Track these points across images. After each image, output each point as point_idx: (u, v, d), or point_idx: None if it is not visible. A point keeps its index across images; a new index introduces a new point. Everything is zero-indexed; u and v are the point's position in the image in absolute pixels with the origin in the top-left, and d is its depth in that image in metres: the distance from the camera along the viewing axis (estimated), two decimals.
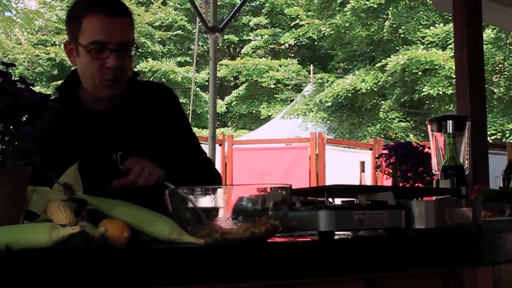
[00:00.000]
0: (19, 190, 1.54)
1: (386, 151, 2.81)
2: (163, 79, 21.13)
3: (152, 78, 21.60)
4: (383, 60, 16.15)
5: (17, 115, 1.47)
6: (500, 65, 15.70)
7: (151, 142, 2.44)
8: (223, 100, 22.74)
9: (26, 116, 1.50)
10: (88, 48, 2.31)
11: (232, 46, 25.25)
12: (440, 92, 15.01)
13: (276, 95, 21.99)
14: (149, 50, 22.17)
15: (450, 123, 2.50)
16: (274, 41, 23.79)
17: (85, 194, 1.70)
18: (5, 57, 22.38)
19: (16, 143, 1.49)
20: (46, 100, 1.51)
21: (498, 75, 15.82)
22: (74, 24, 2.36)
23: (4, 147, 1.49)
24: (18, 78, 1.50)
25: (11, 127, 1.48)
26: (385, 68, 15.92)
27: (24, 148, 1.50)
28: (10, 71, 1.51)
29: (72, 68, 2.56)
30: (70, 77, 2.54)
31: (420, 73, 15.31)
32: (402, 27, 16.93)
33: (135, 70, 2.61)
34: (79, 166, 1.93)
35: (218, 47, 7.60)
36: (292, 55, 24.29)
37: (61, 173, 1.85)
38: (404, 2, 16.84)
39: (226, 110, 23.09)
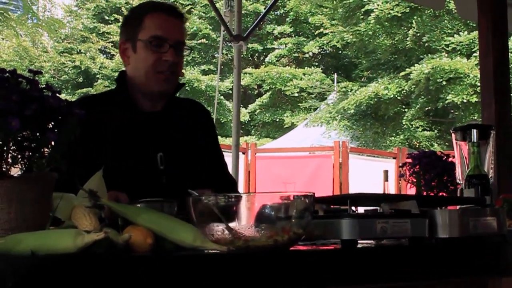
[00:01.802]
0: (45, 196, 1.56)
1: (410, 160, 2.79)
2: (187, 87, 21.20)
3: None
4: (407, 69, 16.08)
5: (43, 122, 1.49)
6: None
7: (189, 149, 2.62)
8: (246, 109, 22.76)
9: (52, 123, 1.51)
10: (149, 41, 2.51)
11: (256, 54, 25.29)
12: (465, 101, 14.89)
13: (299, 104, 21.98)
14: None
15: (474, 132, 2.48)
16: (298, 50, 23.79)
17: (125, 191, 1.73)
18: (31, 65, 22.60)
19: (42, 149, 1.51)
20: (72, 107, 1.53)
21: None
22: (134, 23, 2.57)
23: (30, 153, 1.50)
24: (44, 86, 1.52)
25: (38, 134, 1.49)
26: (409, 77, 15.84)
27: (50, 154, 1.52)
28: (37, 78, 1.53)
29: (121, 70, 2.71)
30: (120, 78, 2.67)
31: (444, 82, 15.21)
32: (426, 35, 16.85)
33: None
34: (122, 162, 2.21)
35: (242, 56, 7.61)
36: (316, 63, 24.25)
37: (107, 168, 1.97)
38: (429, 11, 16.76)
39: (249, 119, 23.11)
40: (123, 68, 2.69)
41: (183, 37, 2.63)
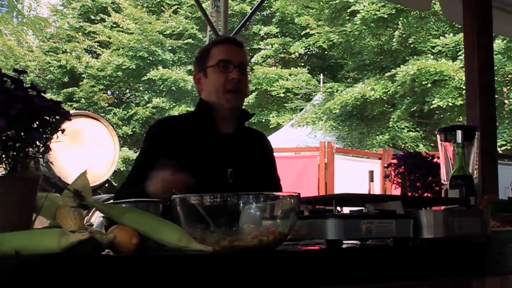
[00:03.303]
0: (30, 196, 1.55)
1: (395, 161, 2.81)
2: (173, 87, 21.15)
3: (162, 86, 21.61)
4: (392, 70, 16.11)
5: (28, 122, 1.48)
6: (510, 76, 15.64)
7: (255, 168, 2.99)
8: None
9: (37, 122, 1.51)
10: (217, 64, 2.94)
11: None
12: (450, 104, 14.94)
13: (285, 104, 21.96)
14: (160, 59, 22.19)
15: (459, 133, 2.50)
16: (284, 50, 23.76)
17: None
18: (16, 64, 22.44)
19: (27, 149, 1.50)
20: (57, 106, 1.52)
21: (508, 86, 15.75)
22: (204, 55, 3.04)
23: (15, 153, 1.50)
24: (29, 85, 1.52)
25: (22, 134, 1.49)
26: (394, 78, 15.88)
27: (35, 154, 1.51)
28: (22, 78, 1.52)
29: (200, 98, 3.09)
30: (201, 106, 3.04)
31: (429, 84, 15.25)
32: (412, 37, 16.89)
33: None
34: (196, 175, 2.52)
35: None
36: (302, 64, 24.22)
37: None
38: (414, 13, 16.79)
39: None
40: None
41: (245, 60, 3.07)
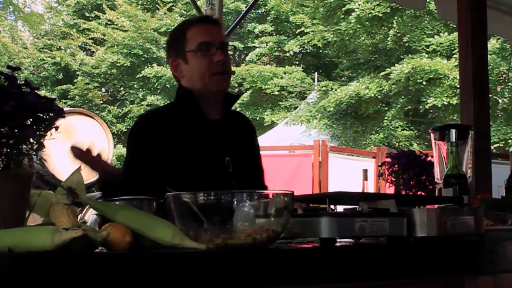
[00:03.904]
0: (23, 193, 1.55)
1: (389, 159, 2.81)
2: (167, 85, 21.13)
3: (157, 83, 21.59)
4: (387, 69, 16.12)
5: (21, 119, 1.48)
6: (504, 75, 15.66)
7: (247, 154, 2.90)
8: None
9: (30, 119, 1.50)
10: (198, 48, 2.77)
11: (237, 53, 25.26)
12: (444, 103, 14.97)
13: (280, 102, 21.95)
14: (154, 56, 22.17)
15: (453, 132, 2.50)
16: (279, 49, 23.76)
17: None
18: (10, 61, 22.40)
19: (20, 146, 1.50)
20: (51, 104, 1.52)
21: (502, 85, 15.78)
22: (179, 40, 2.85)
23: (8, 150, 1.49)
24: (23, 82, 1.51)
25: (16, 131, 1.48)
26: (389, 77, 15.89)
27: (28, 151, 1.51)
28: (16, 74, 1.52)
29: (178, 86, 2.94)
30: (181, 93, 2.90)
31: (424, 82, 15.27)
32: (407, 36, 16.90)
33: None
34: (196, 171, 2.57)
35: None
36: (297, 62, 24.23)
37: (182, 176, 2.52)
38: (409, 12, 16.80)
39: None
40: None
41: (225, 39, 2.92)
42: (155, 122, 2.79)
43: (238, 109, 22.09)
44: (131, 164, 2.76)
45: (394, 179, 2.75)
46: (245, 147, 2.93)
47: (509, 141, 15.22)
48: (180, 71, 2.87)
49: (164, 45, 23.91)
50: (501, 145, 15.32)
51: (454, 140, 2.49)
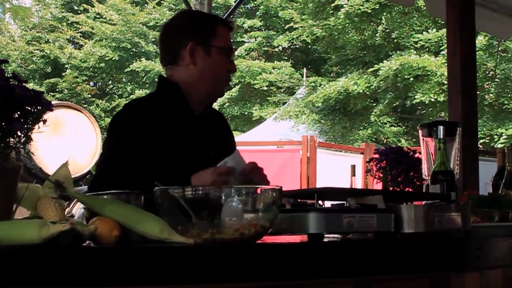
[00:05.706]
0: (10, 187, 1.54)
1: (377, 156, 2.81)
2: (156, 79, 21.05)
3: (145, 78, 21.56)
4: (375, 65, 16.16)
5: (9, 112, 1.47)
6: (491, 72, 15.74)
7: (228, 150, 2.77)
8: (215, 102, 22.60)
9: (18, 112, 1.50)
10: (225, 50, 2.78)
11: None
12: (432, 99, 15.02)
13: (268, 98, 21.97)
14: (143, 50, 22.13)
15: (441, 128, 2.51)
16: (268, 44, 23.77)
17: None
18: None
19: (7, 139, 1.49)
20: (39, 97, 1.51)
21: (489, 82, 15.85)
22: (206, 29, 2.78)
23: None
24: (11, 75, 1.50)
25: (3, 123, 1.47)
26: (377, 73, 15.93)
27: (16, 144, 1.50)
28: (3, 67, 1.51)
29: (160, 75, 2.93)
30: (167, 85, 2.85)
31: (412, 79, 15.32)
32: (395, 32, 16.95)
33: None
34: (182, 161, 2.55)
35: None
36: (286, 58, 24.24)
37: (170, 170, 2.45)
38: (398, 8, 16.83)
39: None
40: (163, 73, 2.92)
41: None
42: (140, 113, 2.68)
43: (226, 104, 22.06)
44: (112, 151, 2.64)
45: (382, 175, 2.75)
46: (224, 142, 2.94)
47: (495, 137, 15.29)
48: (195, 59, 2.75)
49: (153, 39, 24.07)
50: (487, 141, 15.40)
51: (441, 137, 2.49)
